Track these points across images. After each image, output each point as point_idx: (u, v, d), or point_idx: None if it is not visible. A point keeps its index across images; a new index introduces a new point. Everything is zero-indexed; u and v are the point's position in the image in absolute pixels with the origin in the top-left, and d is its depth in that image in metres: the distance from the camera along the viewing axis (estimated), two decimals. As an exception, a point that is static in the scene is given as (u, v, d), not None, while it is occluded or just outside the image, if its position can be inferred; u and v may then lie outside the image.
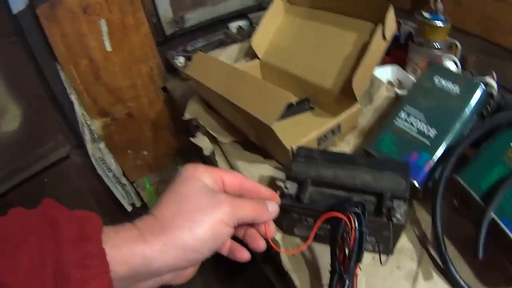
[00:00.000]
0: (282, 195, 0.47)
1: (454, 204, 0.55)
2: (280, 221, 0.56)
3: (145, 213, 0.31)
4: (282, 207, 0.47)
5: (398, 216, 0.43)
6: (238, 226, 0.36)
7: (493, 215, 0.44)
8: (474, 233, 0.44)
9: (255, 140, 0.68)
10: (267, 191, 0.40)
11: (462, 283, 0.46)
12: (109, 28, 0.88)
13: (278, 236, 0.56)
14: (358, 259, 0.41)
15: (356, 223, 0.40)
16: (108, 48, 0.92)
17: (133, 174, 1.16)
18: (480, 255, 0.43)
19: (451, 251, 0.52)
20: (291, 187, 0.47)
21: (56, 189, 1.04)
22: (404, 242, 0.55)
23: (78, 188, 1.11)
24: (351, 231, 0.40)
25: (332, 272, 0.41)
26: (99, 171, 1.08)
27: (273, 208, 0.39)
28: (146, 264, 0.28)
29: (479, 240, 0.43)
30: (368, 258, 0.52)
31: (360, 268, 0.41)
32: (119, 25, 0.89)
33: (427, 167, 0.54)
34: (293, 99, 0.78)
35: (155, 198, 1.12)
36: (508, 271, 0.49)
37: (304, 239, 0.55)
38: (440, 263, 0.51)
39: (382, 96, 0.76)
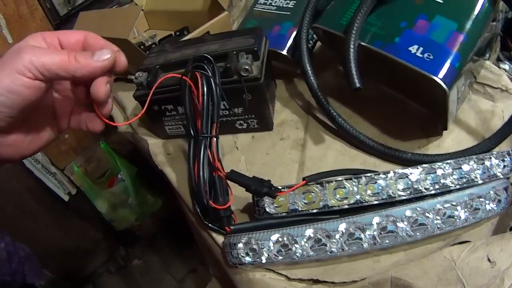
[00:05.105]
0: (136, 89, 0.46)
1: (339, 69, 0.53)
2: (154, 131, 0.55)
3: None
4: (137, 99, 0.46)
5: (246, 67, 0.41)
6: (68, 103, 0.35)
7: (362, 43, 0.40)
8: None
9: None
10: (110, 45, 0.33)
11: (357, 133, 0.44)
12: (7, 21, 0.91)
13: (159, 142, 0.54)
14: (213, 118, 0.39)
15: (203, 79, 0.39)
16: (10, 40, 0.93)
17: (61, 161, 1.12)
18: (356, 84, 0.37)
19: (344, 111, 0.49)
20: (141, 76, 0.45)
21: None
22: (286, 115, 0.53)
23: (13, 189, 1.07)
24: (199, 89, 0.39)
25: (188, 137, 0.40)
26: (28, 165, 1.05)
27: (101, 56, 0.30)
28: None
29: (350, 69, 0.38)
30: (247, 138, 0.51)
31: (216, 130, 0.40)
32: (15, 16, 0.93)
33: (289, 34, 0.53)
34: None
35: (86, 179, 1.08)
36: (417, 114, 0.45)
37: (181, 136, 0.53)
38: (329, 122, 0.49)
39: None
